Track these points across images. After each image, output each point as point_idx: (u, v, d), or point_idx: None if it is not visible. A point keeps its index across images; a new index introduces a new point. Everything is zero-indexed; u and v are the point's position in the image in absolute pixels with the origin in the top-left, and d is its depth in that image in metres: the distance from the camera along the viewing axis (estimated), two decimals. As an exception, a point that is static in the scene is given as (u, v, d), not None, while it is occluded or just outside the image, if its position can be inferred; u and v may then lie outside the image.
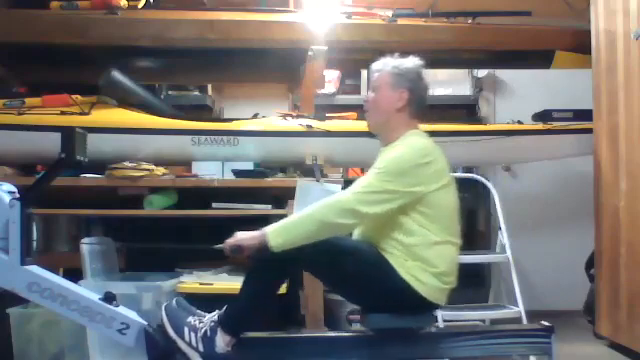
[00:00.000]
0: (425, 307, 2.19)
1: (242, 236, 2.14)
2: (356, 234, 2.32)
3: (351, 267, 2.14)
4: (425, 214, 2.15)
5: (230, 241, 2.15)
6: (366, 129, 3.57)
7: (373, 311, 2.21)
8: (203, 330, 2.11)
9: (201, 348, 2.10)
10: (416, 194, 2.14)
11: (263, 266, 2.13)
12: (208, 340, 2.10)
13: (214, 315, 2.17)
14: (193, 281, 3.04)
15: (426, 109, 2.37)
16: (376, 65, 2.35)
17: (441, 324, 3.04)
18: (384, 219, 2.16)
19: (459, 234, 2.29)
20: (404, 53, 2.39)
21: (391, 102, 2.28)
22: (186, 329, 2.12)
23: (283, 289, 2.99)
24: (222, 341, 2.11)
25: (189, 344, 2.11)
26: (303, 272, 2.56)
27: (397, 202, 2.13)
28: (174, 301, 2.25)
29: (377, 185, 2.13)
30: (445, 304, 2.25)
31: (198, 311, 2.22)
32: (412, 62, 2.32)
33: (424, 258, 2.14)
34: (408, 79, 2.29)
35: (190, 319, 2.15)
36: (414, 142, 2.24)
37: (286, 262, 2.11)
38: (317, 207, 2.12)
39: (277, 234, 2.09)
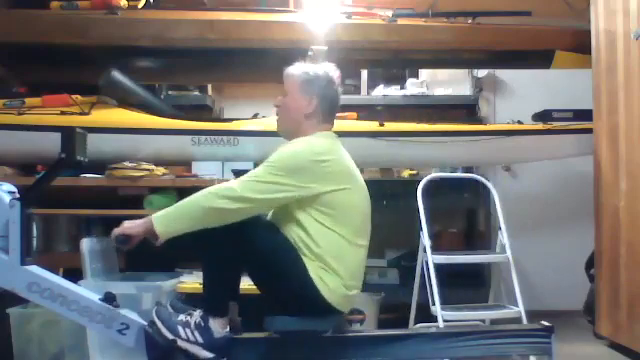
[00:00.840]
0: (328, 311, 2.15)
1: (128, 224, 2.12)
2: None
3: (259, 252, 2.12)
4: (326, 214, 2.14)
5: (116, 230, 2.13)
6: (366, 129, 3.61)
7: (278, 310, 2.17)
8: (194, 322, 2.12)
9: (200, 339, 2.10)
10: (309, 190, 2.12)
11: (211, 241, 2.11)
12: (203, 329, 2.11)
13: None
14: (193, 281, 3.04)
15: (336, 113, 2.37)
16: (289, 69, 2.36)
17: (441, 324, 3.04)
18: (290, 213, 2.16)
19: (367, 237, 2.27)
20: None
21: (300, 107, 2.29)
22: (179, 327, 2.12)
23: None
24: (216, 325, 2.11)
25: (188, 340, 2.10)
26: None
27: (287, 195, 2.12)
28: (168, 304, 2.25)
29: (265, 176, 2.12)
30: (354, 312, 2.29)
31: (191, 308, 2.21)
32: (323, 68, 2.34)
33: (324, 259, 2.12)
34: (318, 85, 2.29)
35: (181, 317, 2.15)
36: (312, 140, 2.23)
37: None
38: (202, 193, 2.10)
39: (163, 220, 2.08)
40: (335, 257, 2.13)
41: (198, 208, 2.09)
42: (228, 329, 2.15)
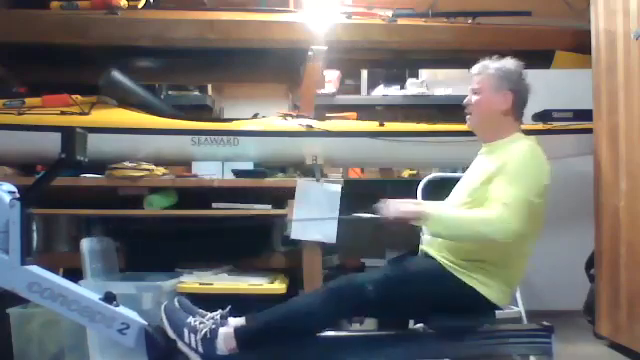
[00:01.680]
0: (489, 308, 2.20)
1: (402, 208, 2.13)
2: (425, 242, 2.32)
3: (415, 292, 2.13)
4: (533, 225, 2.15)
5: (388, 212, 2.13)
6: (366, 129, 3.61)
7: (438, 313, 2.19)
8: (203, 332, 2.10)
9: (201, 350, 2.08)
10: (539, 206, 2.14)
11: (306, 313, 2.11)
12: (208, 342, 2.09)
13: (216, 315, 2.16)
14: (193, 281, 3.04)
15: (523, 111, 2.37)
16: (477, 67, 2.34)
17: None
18: None
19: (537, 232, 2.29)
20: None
21: (497, 104, 2.28)
22: (186, 330, 2.11)
23: (283, 289, 3.01)
24: (224, 344, 2.09)
25: (189, 345, 2.09)
26: (303, 272, 2.54)
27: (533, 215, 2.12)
28: (175, 301, 2.24)
29: (532, 199, 2.10)
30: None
31: (200, 310, 2.21)
32: (514, 63, 2.32)
33: (492, 263, 2.15)
34: (511, 80, 2.29)
35: (190, 320, 2.13)
36: (538, 150, 2.25)
37: (330, 318, 2.11)
38: (487, 218, 2.08)
39: (437, 221, 2.11)
40: (517, 266, 2.21)
41: (467, 228, 2.09)
42: (231, 352, 2.11)
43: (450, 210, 2.23)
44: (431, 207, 2.18)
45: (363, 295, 2.09)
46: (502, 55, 2.35)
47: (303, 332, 2.13)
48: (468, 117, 2.36)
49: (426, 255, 2.26)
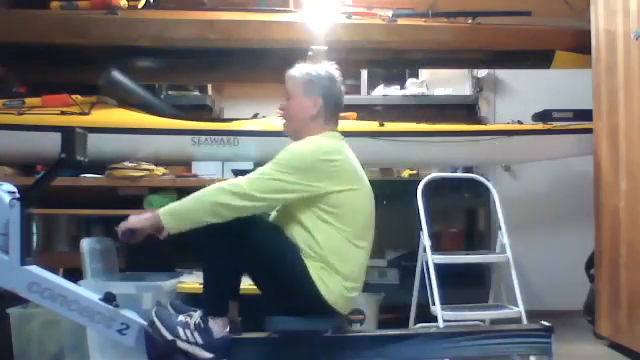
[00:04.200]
0: (328, 311, 2.15)
1: (134, 219, 2.14)
2: None
3: (262, 250, 2.12)
4: (332, 214, 2.14)
5: (122, 225, 2.14)
6: (366, 129, 3.61)
7: (278, 310, 2.17)
8: (194, 323, 2.12)
9: (200, 340, 2.10)
10: (315, 189, 2.13)
11: (211, 241, 2.12)
12: (203, 330, 2.11)
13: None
14: (193, 281, 3.03)
15: (340, 113, 2.38)
16: (290, 72, 2.35)
17: (441, 324, 3.04)
18: (292, 213, 2.17)
19: (370, 239, 2.27)
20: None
21: (306, 109, 2.28)
22: (179, 328, 2.12)
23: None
24: (216, 326, 2.11)
25: (187, 341, 2.10)
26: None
27: (292, 194, 2.13)
28: (168, 304, 2.25)
29: (272, 174, 2.13)
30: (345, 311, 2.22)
31: (192, 308, 2.22)
32: (325, 68, 2.33)
33: (326, 259, 2.13)
34: (321, 85, 2.29)
35: (180, 317, 2.15)
36: (320, 140, 2.24)
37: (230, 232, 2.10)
38: (210, 188, 2.12)
39: (170, 215, 2.10)
40: (337, 258, 2.14)
41: (204, 203, 2.10)
42: (228, 329, 2.15)
43: (185, 198, 2.20)
44: (166, 207, 2.15)
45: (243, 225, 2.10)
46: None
47: (223, 264, 2.14)
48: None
49: None
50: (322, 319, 2.17)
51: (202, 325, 2.11)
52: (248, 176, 2.16)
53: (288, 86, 2.34)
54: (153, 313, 2.16)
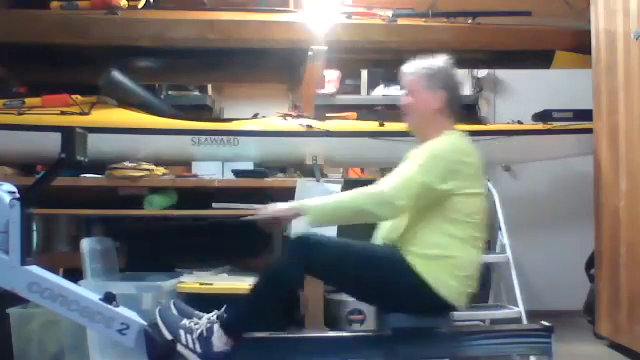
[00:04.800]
0: (446, 308, 2.18)
1: (279, 207, 2.14)
2: (381, 237, 2.31)
3: (370, 274, 2.13)
4: (455, 217, 2.14)
5: (264, 212, 2.15)
6: (366, 129, 3.61)
7: (394, 311, 2.19)
8: (199, 331, 2.11)
9: (198, 349, 2.09)
10: (449, 192, 2.13)
11: (275, 270, 2.13)
12: (204, 340, 2.10)
13: (211, 315, 2.16)
14: (193, 281, 3.04)
15: (460, 108, 2.36)
16: (407, 67, 2.34)
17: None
18: (411, 215, 2.17)
19: (484, 239, 2.29)
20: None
21: (429, 103, 2.28)
22: (182, 332, 2.12)
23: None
24: (220, 341, 2.10)
25: (186, 346, 2.10)
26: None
27: (430, 199, 2.12)
28: (171, 303, 2.25)
29: (418, 180, 2.11)
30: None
31: (196, 312, 2.22)
32: (443, 61, 2.31)
33: (453, 261, 2.13)
34: (441, 79, 2.28)
35: (185, 322, 2.14)
36: (456, 140, 2.24)
37: (300, 269, 2.11)
38: (357, 194, 2.12)
39: (315, 211, 2.10)
40: (459, 255, 2.14)
41: (353, 209, 2.11)
42: (229, 348, 2.12)
43: (329, 197, 2.24)
44: (309, 201, 2.17)
45: (317, 249, 2.10)
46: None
47: (278, 292, 2.15)
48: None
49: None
50: (439, 316, 2.20)
51: (205, 335, 2.10)
52: (393, 183, 2.12)
53: (407, 83, 2.33)
54: (157, 311, 2.17)
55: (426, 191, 2.11)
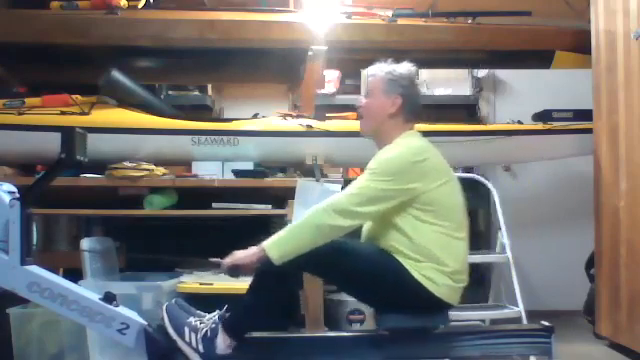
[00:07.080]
0: (439, 307, 2.18)
1: (239, 255, 2.14)
2: (364, 237, 2.31)
3: (360, 270, 2.13)
4: (430, 212, 2.14)
5: (227, 261, 2.15)
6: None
7: (387, 311, 2.20)
8: (203, 331, 2.11)
9: (201, 349, 2.10)
10: (413, 191, 2.13)
11: (270, 273, 2.12)
12: (208, 341, 2.10)
13: (214, 315, 2.17)
14: (193, 281, 3.04)
15: (421, 112, 2.37)
16: (370, 70, 2.35)
17: (441, 324, 3.04)
18: (387, 219, 2.16)
19: (467, 230, 2.28)
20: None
21: (384, 107, 2.28)
22: (186, 329, 2.12)
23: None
24: (223, 342, 2.11)
25: (189, 344, 2.10)
26: (303, 273, 2.55)
27: (392, 201, 2.12)
28: (174, 301, 2.25)
29: (371, 186, 2.13)
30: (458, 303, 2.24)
31: (198, 312, 2.22)
32: (405, 68, 2.32)
33: (435, 257, 2.13)
34: (401, 85, 2.29)
35: (191, 319, 2.15)
36: (407, 142, 2.25)
37: (293, 269, 2.11)
38: (311, 213, 2.13)
39: (275, 247, 2.09)
40: (441, 254, 2.14)
41: (310, 227, 2.10)
42: (231, 350, 2.12)
43: (284, 229, 2.20)
44: (266, 240, 2.14)
45: (313, 249, 2.09)
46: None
47: (278, 290, 2.14)
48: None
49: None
50: (434, 314, 2.20)
51: (209, 335, 2.11)
52: (345, 192, 2.16)
53: (368, 84, 2.34)
54: (164, 308, 2.17)
55: (384, 193, 2.12)
